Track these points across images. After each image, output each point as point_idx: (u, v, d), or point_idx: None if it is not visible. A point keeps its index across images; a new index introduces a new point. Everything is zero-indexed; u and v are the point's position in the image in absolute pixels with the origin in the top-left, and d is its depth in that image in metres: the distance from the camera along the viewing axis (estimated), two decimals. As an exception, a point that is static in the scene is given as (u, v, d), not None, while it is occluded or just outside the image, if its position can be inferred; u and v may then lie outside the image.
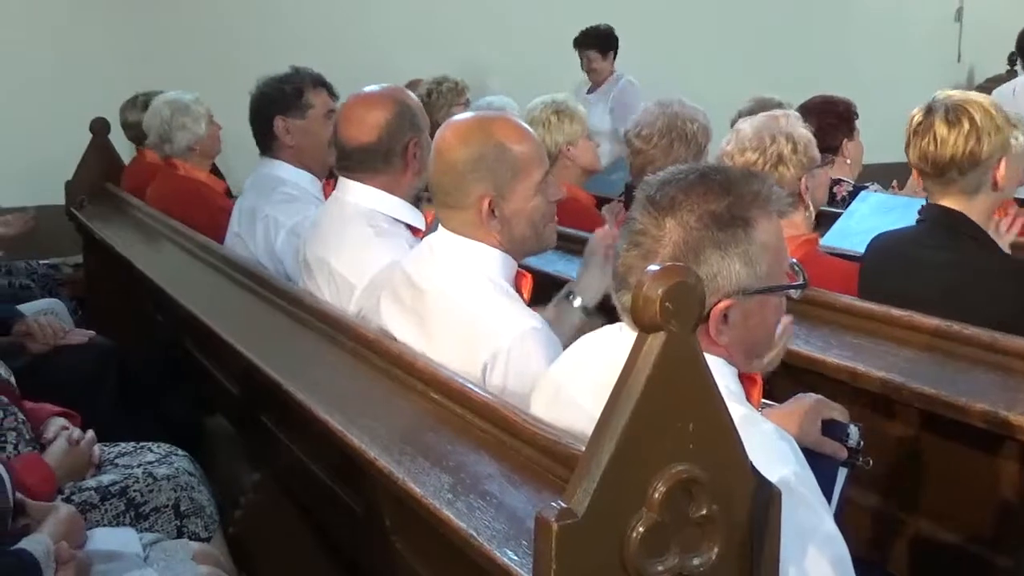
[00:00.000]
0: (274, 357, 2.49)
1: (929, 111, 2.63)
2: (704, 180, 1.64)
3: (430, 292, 2.27)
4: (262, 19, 6.64)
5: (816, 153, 2.91)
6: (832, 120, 4.03)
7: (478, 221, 2.24)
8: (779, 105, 3.74)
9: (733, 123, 4.06)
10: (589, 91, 6.73)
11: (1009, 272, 2.57)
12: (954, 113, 2.58)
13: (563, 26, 6.82)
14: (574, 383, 1.76)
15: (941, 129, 2.58)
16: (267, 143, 3.59)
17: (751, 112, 3.93)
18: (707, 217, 1.59)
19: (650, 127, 3.67)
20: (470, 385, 1.97)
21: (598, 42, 6.69)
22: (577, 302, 2.53)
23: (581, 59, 6.75)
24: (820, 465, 1.68)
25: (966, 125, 2.56)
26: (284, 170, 3.56)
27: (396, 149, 2.80)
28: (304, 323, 2.67)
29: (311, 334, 2.60)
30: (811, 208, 2.93)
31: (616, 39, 6.68)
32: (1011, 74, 8.37)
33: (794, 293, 1.73)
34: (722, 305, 1.60)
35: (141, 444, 2.94)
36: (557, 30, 6.86)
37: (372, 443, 1.89)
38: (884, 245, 2.82)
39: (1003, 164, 2.58)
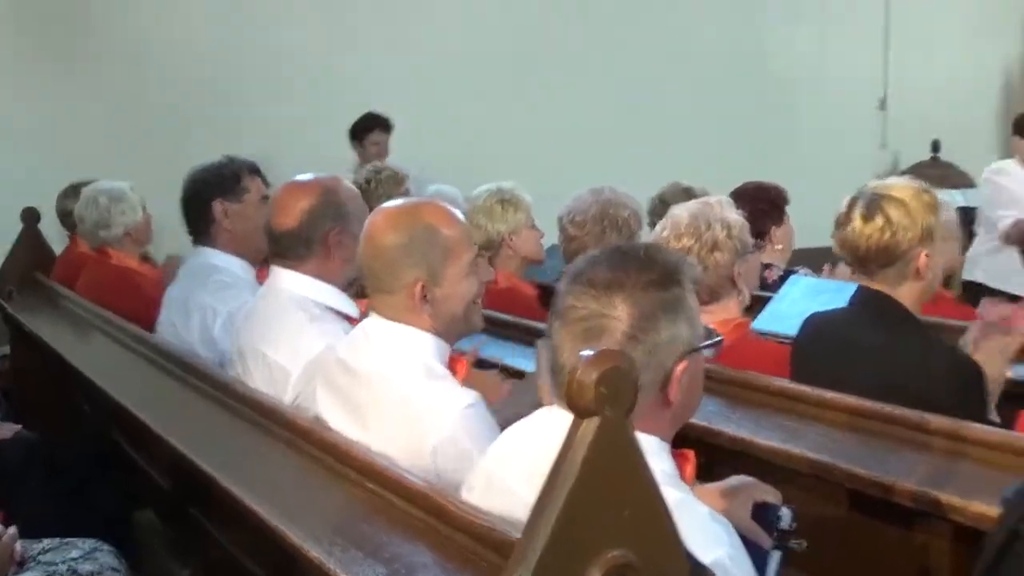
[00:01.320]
0: (205, 448, 2.45)
1: (852, 203, 2.68)
2: (630, 255, 1.71)
3: (366, 378, 2.25)
4: (199, 111, 6.64)
5: (749, 238, 2.96)
6: (763, 206, 4.12)
7: (410, 305, 2.25)
8: (692, 192, 3.85)
9: (652, 209, 4.15)
10: None
11: (940, 356, 2.61)
12: (872, 208, 2.63)
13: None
14: (508, 469, 1.76)
15: (858, 223, 2.64)
16: (202, 228, 3.57)
17: (664, 198, 4.03)
18: (651, 284, 1.65)
19: (583, 214, 3.72)
20: (405, 473, 1.95)
21: None
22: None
23: None
24: (754, 547, 1.69)
25: (879, 221, 2.61)
26: (218, 258, 3.54)
27: (316, 236, 2.80)
28: (237, 413, 2.64)
29: (243, 424, 2.57)
30: (744, 293, 2.97)
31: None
32: (934, 160, 8.63)
33: (712, 352, 1.80)
34: (681, 366, 1.65)
35: (66, 540, 2.86)
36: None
37: (304, 535, 1.86)
38: (818, 327, 2.85)
39: (922, 257, 2.63)
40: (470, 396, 2.17)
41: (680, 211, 2.96)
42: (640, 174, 4.64)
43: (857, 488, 2.18)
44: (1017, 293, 4.74)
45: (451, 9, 7.32)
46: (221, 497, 2.21)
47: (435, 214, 2.30)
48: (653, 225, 3.87)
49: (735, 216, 2.93)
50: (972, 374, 2.56)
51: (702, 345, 1.72)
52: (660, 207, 4.00)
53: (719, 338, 1.78)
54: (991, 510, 1.88)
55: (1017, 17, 9.46)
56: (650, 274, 1.66)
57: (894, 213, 2.60)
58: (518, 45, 7.36)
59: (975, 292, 5.20)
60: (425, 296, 2.24)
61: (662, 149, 7.26)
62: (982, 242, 6.00)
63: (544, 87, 7.40)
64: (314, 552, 1.79)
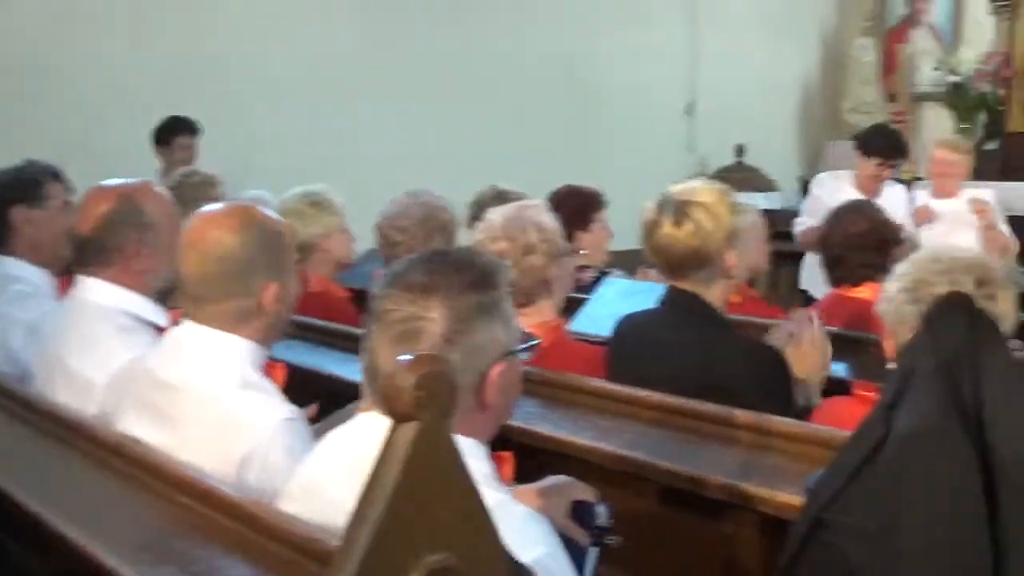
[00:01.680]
0: (5, 467, 2.33)
1: (659, 209, 2.76)
2: (446, 258, 1.72)
3: (178, 389, 2.19)
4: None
5: (563, 242, 3.01)
6: (567, 211, 4.20)
7: (245, 311, 2.20)
8: (506, 195, 3.89)
9: (471, 212, 4.17)
10: None
11: (744, 351, 2.71)
12: (680, 214, 2.71)
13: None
14: (327, 477, 1.74)
15: (668, 229, 2.72)
16: (0, 236, 3.40)
17: (481, 202, 4.07)
18: (468, 287, 1.66)
19: (407, 218, 3.72)
20: (218, 484, 1.90)
21: None
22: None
23: None
24: (572, 545, 1.72)
25: (690, 226, 2.70)
26: (15, 267, 3.38)
27: (116, 244, 2.70)
28: (39, 429, 2.52)
29: (48, 441, 2.45)
30: (559, 295, 3.02)
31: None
32: (739, 164, 8.96)
33: (528, 355, 1.82)
34: (497, 369, 1.66)
35: None
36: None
37: (114, 553, 1.79)
38: (629, 327, 2.93)
39: (730, 255, 2.73)
40: (288, 410, 2.13)
41: (495, 215, 2.99)
42: (458, 179, 4.66)
43: (669, 483, 2.25)
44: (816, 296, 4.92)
45: (264, 16, 7.17)
46: (23, 518, 2.11)
47: (267, 217, 2.28)
48: (472, 225, 3.90)
49: (549, 220, 2.98)
50: (776, 366, 2.68)
51: (518, 348, 1.73)
52: (477, 211, 4.03)
53: (535, 341, 1.80)
54: (795, 500, 1.96)
55: (816, 27, 9.93)
56: (466, 277, 1.67)
57: (702, 217, 2.70)
58: (334, 50, 7.28)
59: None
60: (275, 300, 2.21)
61: (479, 154, 7.30)
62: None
63: (360, 93, 7.34)
64: (124, 569, 1.72)
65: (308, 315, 3.35)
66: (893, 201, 5.28)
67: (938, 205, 5.74)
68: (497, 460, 1.73)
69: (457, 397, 1.24)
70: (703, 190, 2.78)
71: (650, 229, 2.76)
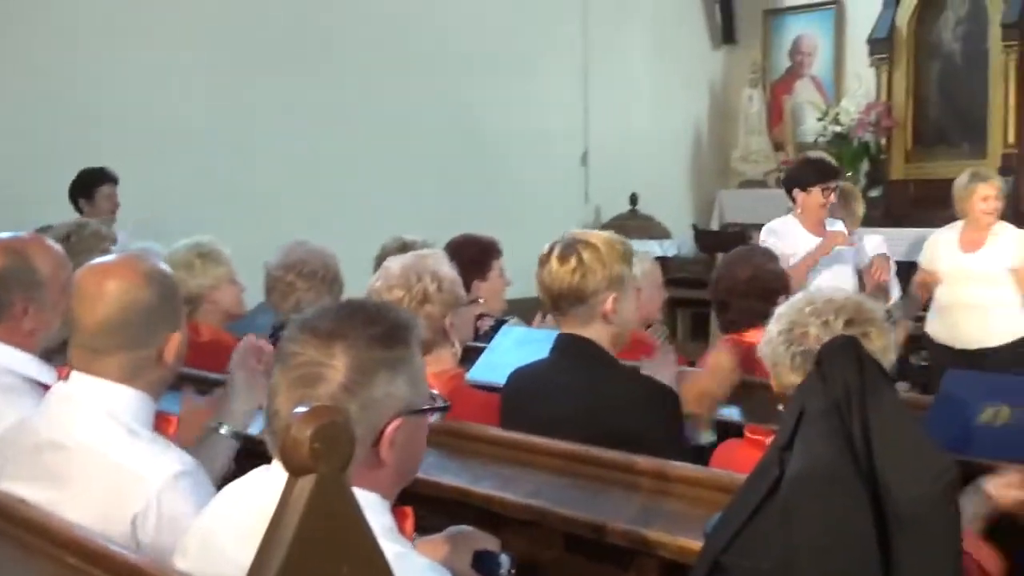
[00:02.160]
0: None
1: (551, 247, 2.82)
2: (360, 309, 1.71)
3: (66, 446, 2.12)
4: None
5: (461, 291, 3.02)
6: (474, 257, 4.22)
7: (139, 362, 2.16)
8: (411, 245, 3.89)
9: (378, 260, 4.16)
10: None
11: (633, 389, 2.74)
12: (567, 250, 2.77)
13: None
14: (222, 532, 1.70)
15: (554, 264, 2.77)
16: None
17: (386, 252, 4.07)
18: (374, 340, 1.64)
19: (304, 264, 3.69)
20: (110, 544, 1.84)
21: None
22: (225, 430, 2.47)
23: None
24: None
25: (573, 262, 2.75)
26: None
27: (5, 300, 2.61)
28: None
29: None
30: (457, 345, 3.02)
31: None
32: (633, 212, 9.10)
33: (437, 416, 1.79)
34: (394, 425, 1.64)
35: None
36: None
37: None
38: (523, 375, 2.94)
39: (610, 300, 2.76)
40: (180, 462, 2.08)
41: (392, 264, 2.99)
42: (354, 229, 4.64)
43: (571, 530, 2.25)
44: None
45: (156, 65, 7.06)
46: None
47: (163, 270, 2.27)
48: None
49: (446, 269, 2.99)
50: (668, 400, 2.72)
51: (423, 408, 1.71)
52: (381, 262, 4.02)
53: (445, 405, 1.79)
54: (695, 544, 1.98)
55: (704, 78, 10.17)
56: (374, 329, 1.66)
57: (586, 256, 2.75)
58: (229, 100, 7.20)
59: None
60: (175, 352, 2.20)
61: (377, 204, 7.28)
62: None
63: (255, 144, 7.25)
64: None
65: (199, 366, 3.29)
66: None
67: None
68: (398, 515, 1.71)
69: (354, 449, 1.23)
70: (598, 234, 2.85)
71: (540, 265, 2.82)
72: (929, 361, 5.95)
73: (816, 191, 5.26)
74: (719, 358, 3.17)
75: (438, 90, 8.11)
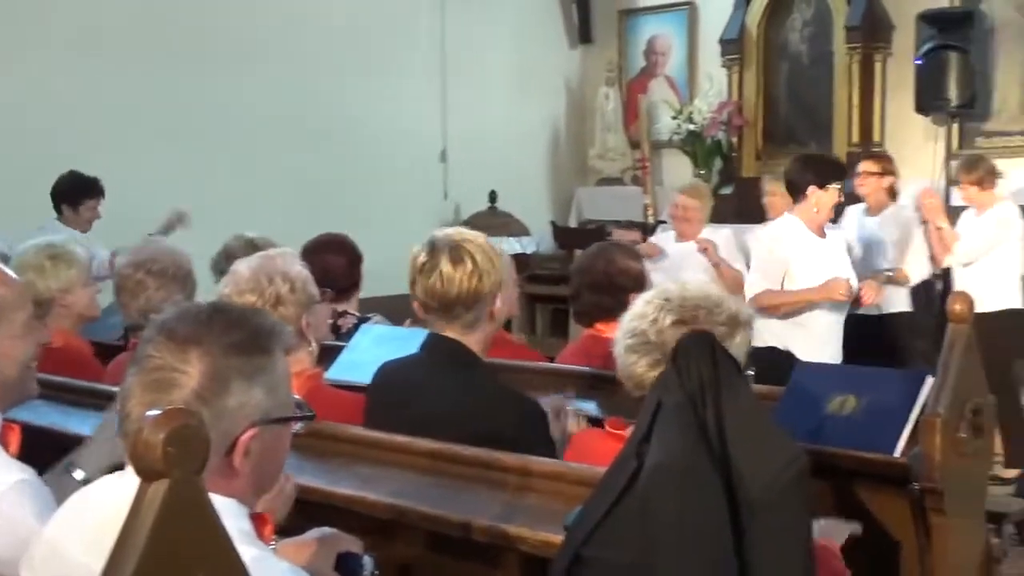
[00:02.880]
0: None
1: (433, 251, 2.74)
2: (221, 313, 1.66)
3: None
4: None
5: (314, 290, 2.97)
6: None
7: None
8: (256, 244, 3.84)
9: (215, 263, 4.07)
10: None
11: (504, 398, 2.74)
12: (457, 253, 2.72)
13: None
14: (70, 540, 1.64)
15: (447, 268, 2.71)
16: None
17: (229, 251, 4.00)
18: (232, 347, 1.60)
19: (151, 263, 3.58)
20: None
21: None
22: (78, 475, 2.30)
23: None
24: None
25: (469, 265, 2.72)
26: None
27: None
28: None
29: None
30: (313, 344, 2.98)
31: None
32: (492, 210, 9.14)
33: (301, 425, 1.76)
34: (248, 435, 1.60)
35: None
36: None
37: None
38: (390, 373, 2.91)
39: (499, 299, 2.77)
40: (22, 471, 2.01)
41: (242, 266, 2.92)
42: (213, 228, 4.53)
43: (435, 529, 2.25)
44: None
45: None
46: None
47: (3, 272, 2.17)
48: (219, 277, 3.82)
49: (298, 269, 2.93)
50: (536, 415, 2.72)
51: (283, 417, 1.67)
52: (224, 261, 3.95)
53: (309, 414, 1.76)
54: (556, 538, 2.00)
55: (563, 76, 10.28)
56: (234, 336, 1.62)
57: (479, 257, 2.72)
58: (77, 98, 6.97)
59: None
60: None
61: (236, 205, 7.13)
62: None
63: (108, 140, 7.03)
64: None
65: (49, 372, 3.18)
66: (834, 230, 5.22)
67: (679, 248, 6.08)
68: (257, 521, 1.68)
69: (209, 453, 1.20)
70: (473, 233, 2.82)
71: (426, 271, 2.74)
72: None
73: (834, 188, 4.93)
74: None
75: (294, 87, 8.01)
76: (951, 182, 7.27)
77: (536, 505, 2.25)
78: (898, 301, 5.88)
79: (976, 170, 6.36)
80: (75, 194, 6.32)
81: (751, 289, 4.99)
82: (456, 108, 9.15)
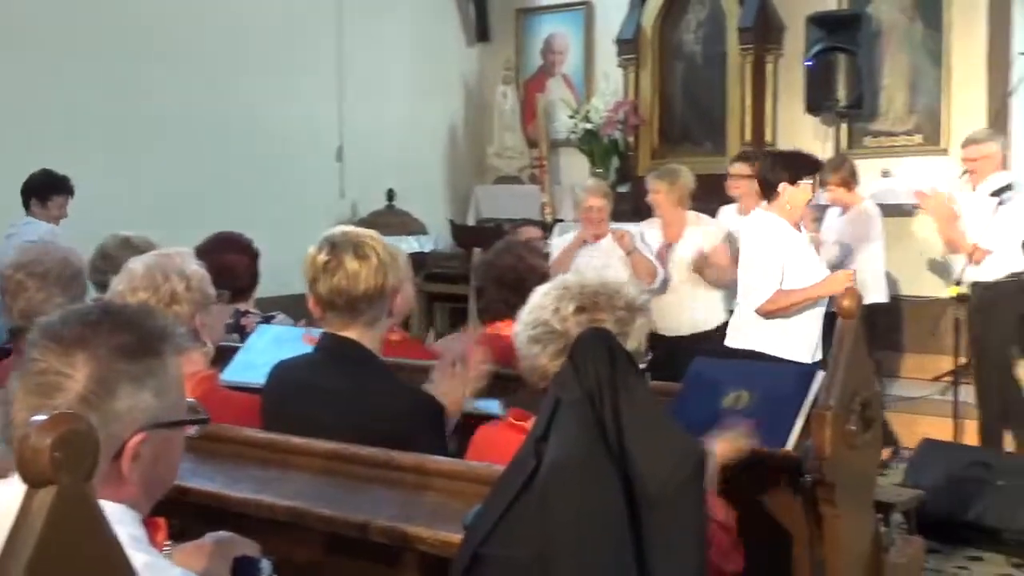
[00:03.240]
0: None
1: (334, 249, 2.72)
2: (109, 315, 1.62)
3: None
4: None
5: (210, 289, 2.92)
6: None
7: None
8: (132, 243, 3.78)
9: (92, 263, 3.96)
10: None
11: (404, 397, 2.73)
12: (362, 250, 2.71)
13: None
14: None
15: (353, 265, 2.69)
16: None
17: (106, 251, 3.92)
18: (120, 351, 1.56)
19: (40, 264, 3.48)
20: None
21: None
22: None
23: None
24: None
25: (375, 260, 2.71)
26: None
27: None
28: None
29: None
30: (208, 344, 2.93)
31: None
32: (390, 208, 9.09)
33: (196, 429, 1.73)
34: (136, 439, 1.56)
35: None
36: None
37: None
38: (284, 374, 2.89)
39: (399, 297, 2.77)
40: None
41: (136, 264, 2.86)
42: (101, 229, 4.40)
43: (333, 530, 2.23)
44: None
45: None
46: None
47: None
48: (98, 279, 3.74)
49: (194, 267, 2.89)
50: (433, 412, 2.71)
51: (172, 421, 1.64)
52: (102, 261, 3.87)
53: (203, 417, 1.73)
54: (455, 537, 1.99)
55: (461, 74, 10.27)
56: (121, 338, 1.58)
57: (382, 254, 2.72)
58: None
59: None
60: None
61: (126, 203, 6.96)
62: None
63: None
64: None
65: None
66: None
67: (591, 246, 6.22)
68: (150, 527, 1.64)
69: (98, 458, 1.17)
70: (367, 232, 2.81)
71: (330, 269, 2.71)
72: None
73: (806, 184, 4.86)
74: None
75: (185, 83, 7.85)
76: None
77: (435, 504, 2.25)
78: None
79: (841, 171, 6.62)
80: (45, 190, 6.31)
81: (757, 293, 4.85)
82: (353, 106, 9.08)
